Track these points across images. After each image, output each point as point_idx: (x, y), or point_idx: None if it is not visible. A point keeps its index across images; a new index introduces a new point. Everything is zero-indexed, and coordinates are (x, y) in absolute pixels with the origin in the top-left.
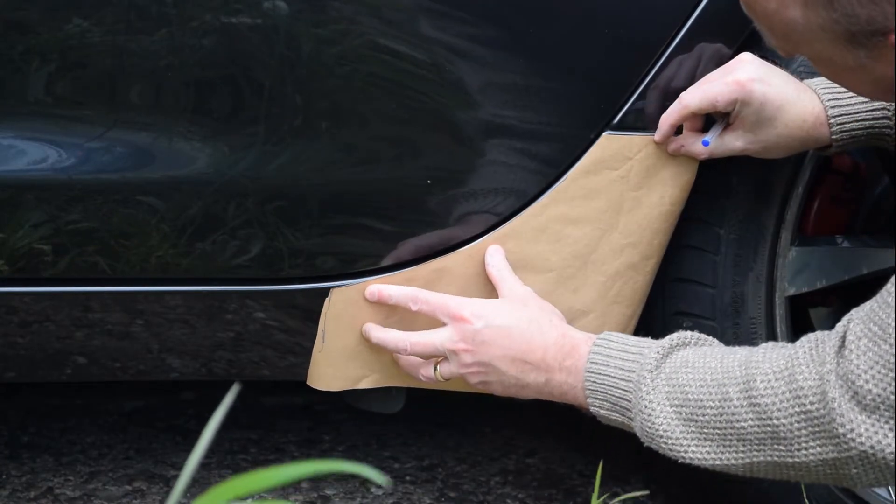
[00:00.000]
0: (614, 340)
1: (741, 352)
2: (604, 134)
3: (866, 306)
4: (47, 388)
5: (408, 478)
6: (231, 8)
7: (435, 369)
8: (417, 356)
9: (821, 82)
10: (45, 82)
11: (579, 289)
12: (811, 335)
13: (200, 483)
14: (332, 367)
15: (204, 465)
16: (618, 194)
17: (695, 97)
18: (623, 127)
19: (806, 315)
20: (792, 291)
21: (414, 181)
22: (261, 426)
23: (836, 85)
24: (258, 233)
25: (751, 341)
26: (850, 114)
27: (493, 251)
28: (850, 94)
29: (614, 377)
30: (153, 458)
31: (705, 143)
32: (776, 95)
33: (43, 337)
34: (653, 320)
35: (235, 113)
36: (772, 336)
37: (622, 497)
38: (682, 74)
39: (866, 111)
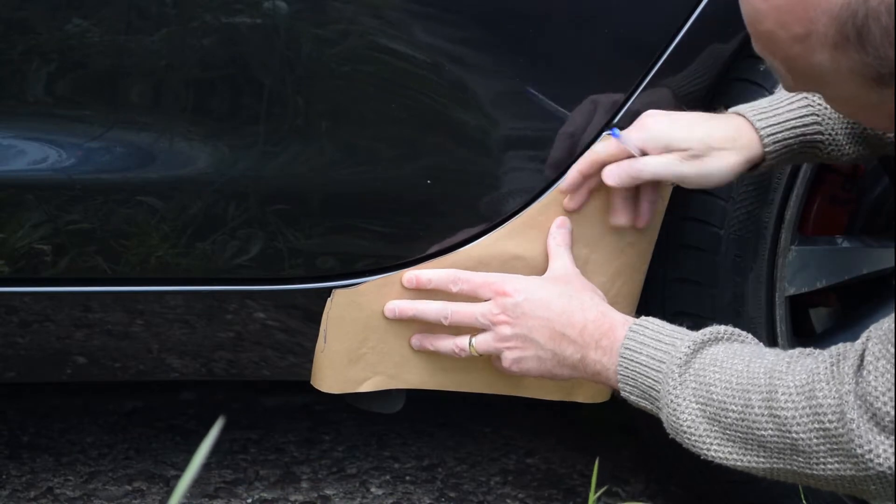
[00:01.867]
0: (650, 328)
1: (769, 357)
2: (604, 134)
3: (885, 324)
4: (47, 388)
5: (408, 478)
6: (231, 8)
7: (470, 344)
8: (456, 325)
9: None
10: (45, 82)
11: None
12: (834, 349)
13: (200, 483)
14: (334, 370)
15: (204, 465)
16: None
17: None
18: (623, 128)
19: (806, 315)
20: (792, 291)
21: (414, 181)
22: (261, 426)
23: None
24: (258, 233)
25: None
26: (778, 123)
27: (560, 222)
28: (776, 107)
29: (645, 366)
30: (153, 458)
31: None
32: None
33: (43, 337)
34: None
35: (235, 113)
36: (772, 336)
37: None
38: (682, 75)
39: (795, 118)
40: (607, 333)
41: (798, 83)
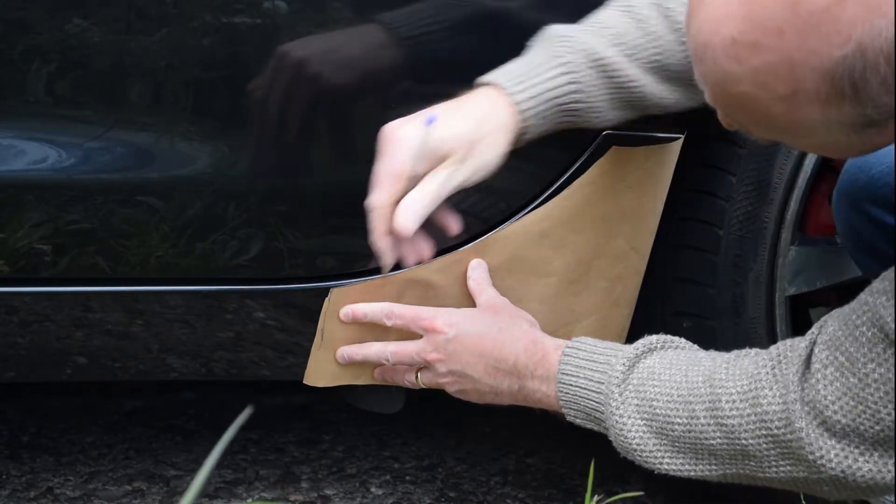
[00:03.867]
0: (583, 349)
1: (705, 363)
2: (603, 134)
3: (829, 329)
4: (47, 388)
5: (408, 478)
6: (231, 8)
7: (416, 376)
8: (399, 363)
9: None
10: (45, 82)
11: (581, 292)
12: (773, 349)
13: None
14: (332, 365)
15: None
16: (622, 201)
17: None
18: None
19: (806, 315)
20: (792, 291)
21: None
22: (261, 426)
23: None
24: (258, 233)
25: (751, 341)
26: (537, 95)
27: (475, 265)
28: (533, 76)
29: (585, 388)
30: (153, 458)
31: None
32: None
33: (43, 337)
34: (653, 320)
35: (235, 113)
36: (772, 336)
37: (618, 496)
38: None
39: (554, 87)
40: (541, 362)
41: (768, 134)
